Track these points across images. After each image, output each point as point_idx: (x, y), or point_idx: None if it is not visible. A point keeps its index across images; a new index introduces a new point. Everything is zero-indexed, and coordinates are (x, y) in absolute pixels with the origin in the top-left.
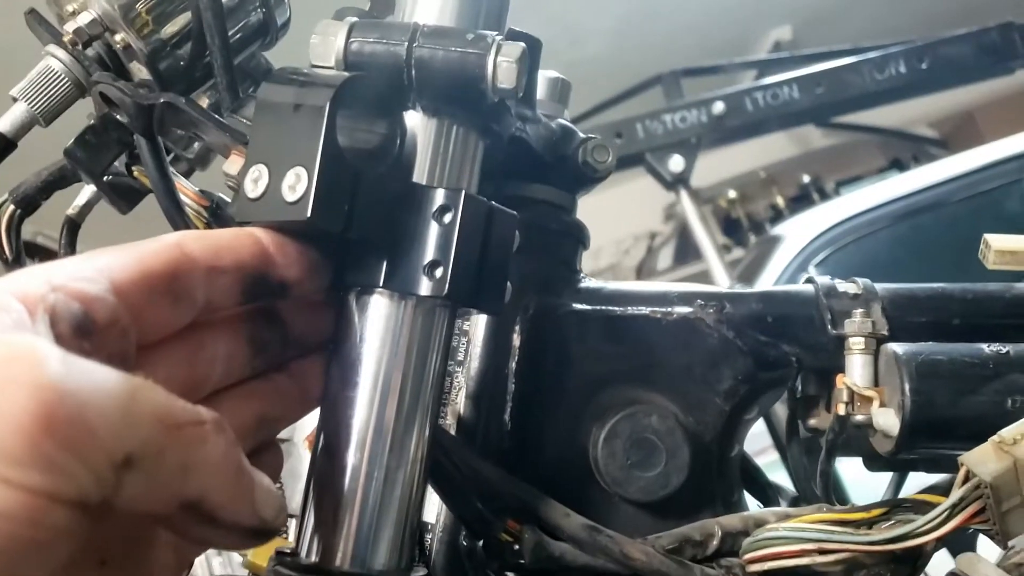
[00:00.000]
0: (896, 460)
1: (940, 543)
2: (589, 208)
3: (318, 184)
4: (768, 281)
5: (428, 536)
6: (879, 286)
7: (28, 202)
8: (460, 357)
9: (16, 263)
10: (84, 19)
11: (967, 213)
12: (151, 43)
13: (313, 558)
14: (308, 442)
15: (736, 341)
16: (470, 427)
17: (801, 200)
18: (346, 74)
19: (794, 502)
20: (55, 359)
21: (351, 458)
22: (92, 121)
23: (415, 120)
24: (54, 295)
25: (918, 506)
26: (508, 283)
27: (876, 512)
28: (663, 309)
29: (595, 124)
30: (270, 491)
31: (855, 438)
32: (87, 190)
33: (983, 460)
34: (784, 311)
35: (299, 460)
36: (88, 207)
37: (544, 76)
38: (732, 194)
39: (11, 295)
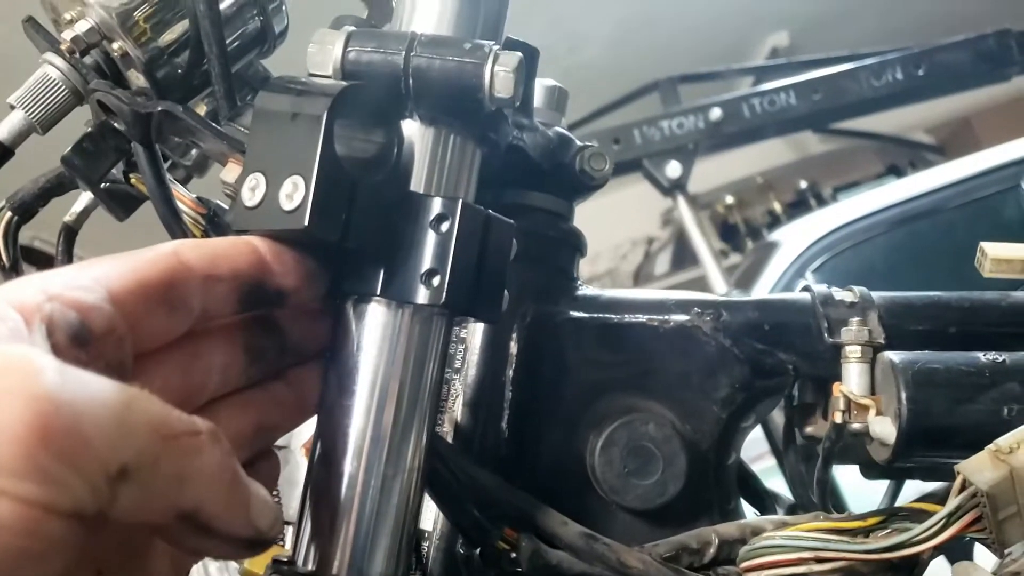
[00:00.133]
0: (893, 468)
1: (937, 551)
2: (586, 213)
3: (315, 193)
4: (765, 287)
5: (425, 544)
6: (876, 294)
7: (25, 209)
8: (457, 365)
9: (13, 270)
10: (82, 27)
11: (964, 219)
12: (149, 51)
13: (310, 566)
14: (305, 449)
15: (733, 349)
16: (467, 435)
17: (798, 206)
18: (344, 83)
19: (791, 510)
20: (51, 370)
21: (348, 466)
22: (89, 129)
23: (412, 129)
24: (50, 304)
25: (915, 515)
26: (505, 291)
27: (873, 520)
28: (660, 317)
29: (593, 130)
30: (266, 501)
31: (852, 446)
32: (84, 197)
33: (980, 469)
34: (781, 319)
35: (296, 467)
36: (85, 214)
37: (541, 84)
38: (729, 200)
39: (7, 304)
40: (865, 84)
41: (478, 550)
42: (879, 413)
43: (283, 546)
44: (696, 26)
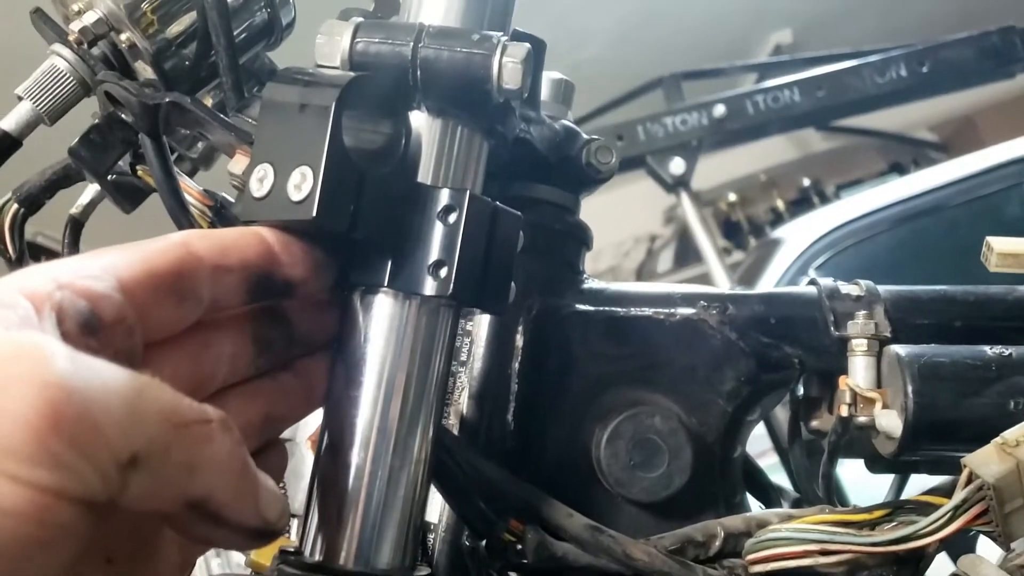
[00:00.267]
0: (898, 462)
1: (942, 545)
2: (589, 210)
3: (323, 183)
4: (768, 284)
5: (431, 536)
6: (882, 288)
7: (32, 201)
8: (463, 357)
9: (19, 263)
10: (89, 18)
11: (967, 217)
12: (156, 42)
13: (317, 557)
14: (311, 442)
15: (739, 342)
16: (473, 427)
17: (801, 203)
18: (351, 74)
19: (796, 504)
20: (62, 356)
21: (355, 457)
22: (97, 120)
23: (420, 120)
24: (60, 293)
25: (921, 508)
26: (512, 283)
27: (879, 513)
28: (666, 310)
29: (596, 126)
30: (274, 492)
31: (857, 440)
32: (91, 189)
33: (986, 462)
34: (787, 313)
35: (301, 460)
36: (92, 206)
37: (548, 77)
38: (732, 197)
39: (18, 292)
40: (869, 81)
41: (484, 542)
42: (885, 406)
43: (289, 538)
44: (699, 23)
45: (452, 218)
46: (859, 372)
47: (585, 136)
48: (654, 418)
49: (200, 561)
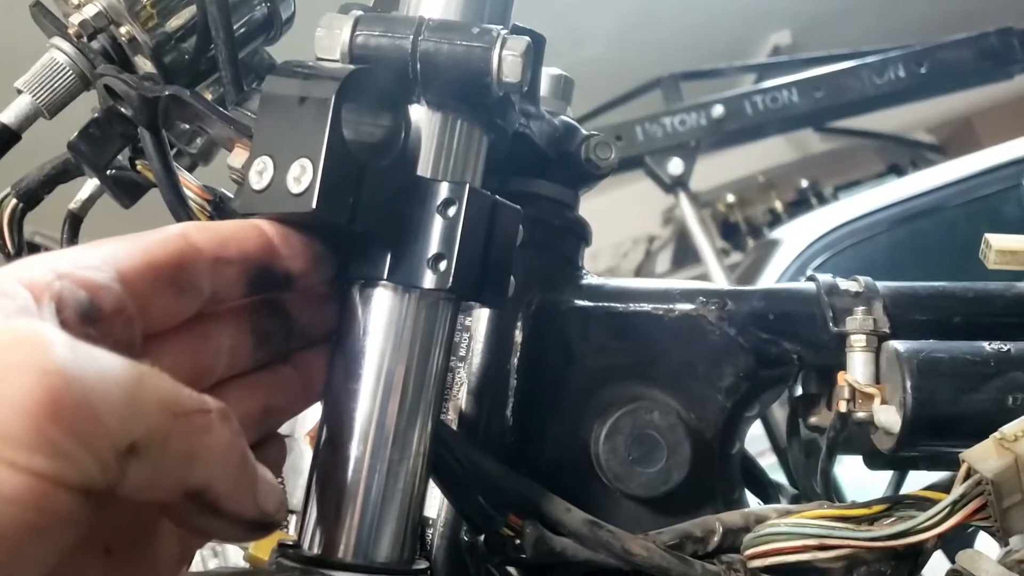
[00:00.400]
0: (897, 458)
1: (940, 540)
2: (587, 210)
3: (323, 176)
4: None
5: (429, 531)
6: (880, 284)
7: (31, 196)
8: (462, 352)
9: (18, 258)
10: (89, 11)
11: (965, 218)
12: (156, 36)
13: (316, 550)
14: (309, 438)
15: (738, 338)
16: (472, 422)
17: (799, 204)
18: (351, 67)
19: (794, 500)
20: (61, 344)
21: (354, 450)
22: (96, 114)
23: (420, 114)
24: (60, 282)
25: (919, 503)
26: (511, 278)
27: (877, 508)
28: (665, 306)
29: (595, 126)
30: (272, 484)
31: (856, 436)
32: (90, 184)
33: (984, 457)
34: (786, 308)
35: (300, 456)
36: (91, 201)
37: (547, 73)
38: (730, 198)
39: (17, 282)
40: (867, 82)
41: (482, 537)
42: (884, 402)
43: (288, 532)
44: (698, 24)
45: (452, 211)
46: (858, 368)
47: (584, 132)
48: (653, 413)
49: (198, 561)
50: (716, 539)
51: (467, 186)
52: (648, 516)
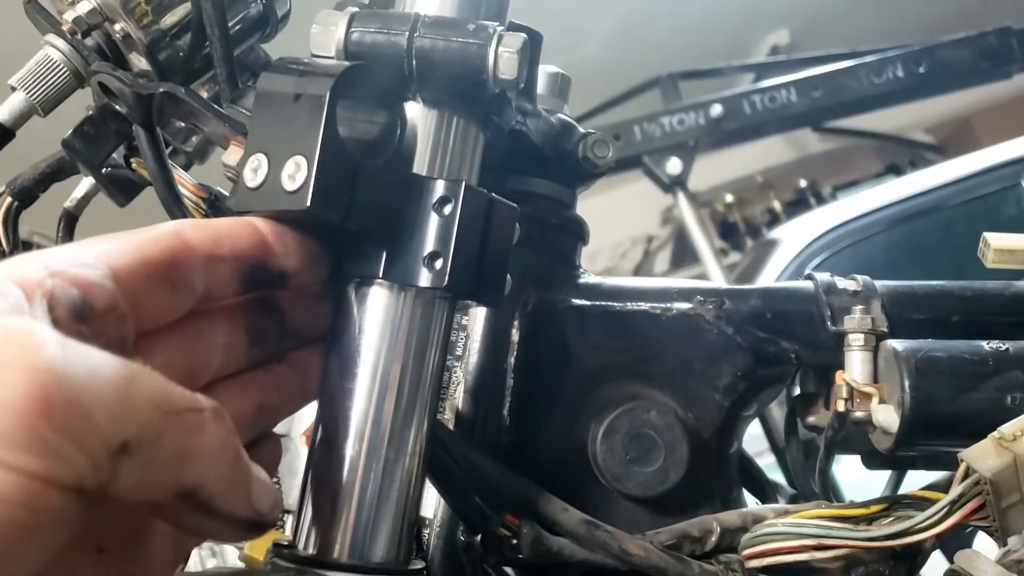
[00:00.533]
0: (895, 457)
1: (938, 540)
2: (586, 210)
3: (318, 173)
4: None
5: (426, 531)
6: (879, 283)
7: (26, 194)
8: (459, 352)
9: (13, 256)
10: (83, 8)
11: (963, 218)
12: (151, 33)
13: (311, 550)
14: (305, 437)
15: (735, 337)
16: (468, 422)
17: (798, 204)
18: (346, 64)
19: (792, 500)
20: (53, 342)
21: (350, 450)
22: (91, 112)
23: (416, 111)
24: (52, 280)
25: (918, 502)
26: (508, 276)
27: (875, 508)
28: (662, 305)
29: (593, 126)
30: (266, 484)
31: (854, 435)
32: (85, 183)
33: (983, 456)
34: (784, 307)
35: (296, 455)
36: (86, 200)
37: (544, 71)
38: (729, 198)
39: (9, 280)
40: (866, 81)
41: (479, 537)
42: (882, 401)
43: (283, 532)
44: (697, 23)
45: (447, 209)
46: (856, 367)
47: (581, 130)
48: (650, 413)
49: (196, 561)
50: (714, 539)
51: (463, 184)
52: (646, 516)
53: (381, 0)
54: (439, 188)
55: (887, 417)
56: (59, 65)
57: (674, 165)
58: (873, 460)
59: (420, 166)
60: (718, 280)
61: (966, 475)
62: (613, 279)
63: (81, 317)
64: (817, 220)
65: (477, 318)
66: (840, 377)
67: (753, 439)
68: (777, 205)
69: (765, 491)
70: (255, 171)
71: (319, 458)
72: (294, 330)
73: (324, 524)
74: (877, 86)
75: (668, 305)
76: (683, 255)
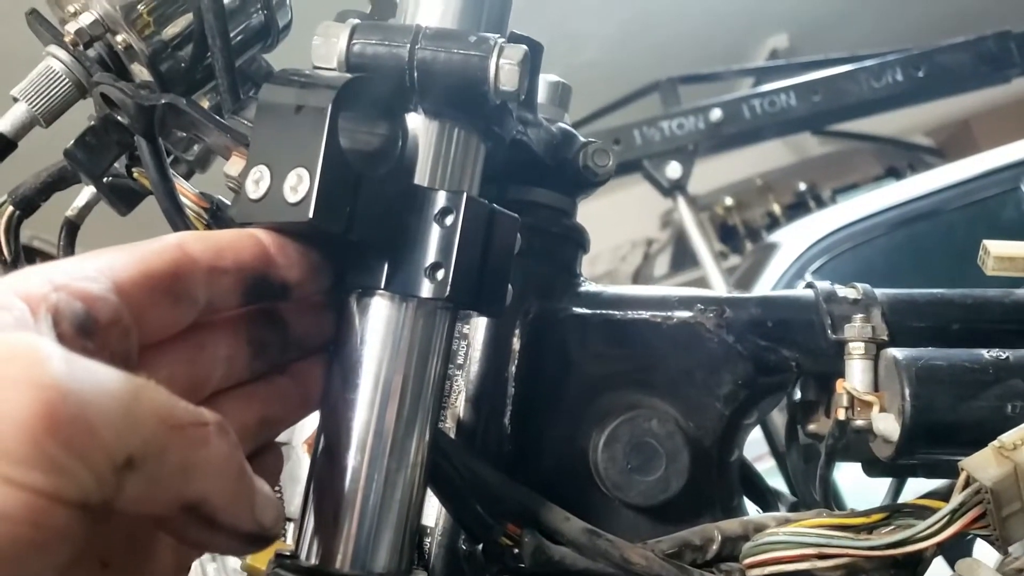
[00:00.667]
0: (896, 465)
1: (939, 549)
2: (586, 214)
3: (320, 185)
4: (764, 288)
5: (427, 540)
6: (879, 291)
7: (27, 203)
8: (460, 361)
9: (15, 265)
10: (85, 19)
11: (963, 221)
12: (152, 44)
13: (313, 560)
14: (307, 446)
15: (736, 346)
16: (470, 431)
17: (797, 208)
18: (348, 75)
19: (793, 508)
20: (57, 358)
21: (351, 460)
22: (92, 122)
23: (417, 122)
24: (56, 294)
25: (918, 511)
26: (509, 286)
27: (876, 517)
28: (663, 313)
29: (593, 130)
30: (270, 497)
31: (855, 443)
32: (86, 192)
33: (984, 465)
34: (784, 316)
35: (297, 464)
36: (87, 209)
37: (545, 80)
38: (729, 201)
39: (13, 294)
40: (865, 85)
41: (480, 546)
42: (882, 410)
43: (285, 542)
44: (696, 27)
45: (449, 220)
46: (856, 375)
47: (582, 139)
48: (651, 422)
49: (196, 566)
50: (715, 548)
51: (464, 195)
52: (647, 525)
53: (383, 12)
54: (441, 199)
55: (888, 426)
56: (61, 76)
57: (674, 169)
58: (874, 468)
59: (422, 177)
60: (718, 283)
61: (967, 484)
62: (614, 287)
63: (85, 331)
64: (817, 223)
65: (478, 327)
66: (841, 385)
67: (753, 443)
68: (777, 208)
69: (766, 499)
70: (257, 183)
71: (321, 468)
72: (296, 341)
73: (326, 534)
74: (876, 90)
75: (669, 313)
76: (683, 258)
